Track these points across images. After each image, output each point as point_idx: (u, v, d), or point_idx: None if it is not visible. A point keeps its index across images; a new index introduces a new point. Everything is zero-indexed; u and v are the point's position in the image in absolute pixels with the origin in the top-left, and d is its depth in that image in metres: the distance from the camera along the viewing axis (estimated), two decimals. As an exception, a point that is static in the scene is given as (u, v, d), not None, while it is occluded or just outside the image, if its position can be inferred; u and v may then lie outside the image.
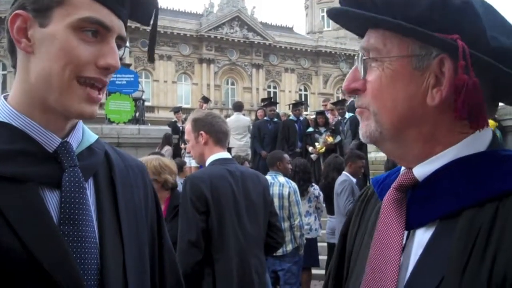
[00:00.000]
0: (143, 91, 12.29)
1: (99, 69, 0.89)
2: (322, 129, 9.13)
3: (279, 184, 4.91)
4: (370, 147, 9.02)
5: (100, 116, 8.28)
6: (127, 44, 11.03)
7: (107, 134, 8.01)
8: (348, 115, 8.94)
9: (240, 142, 9.67)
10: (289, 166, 5.26)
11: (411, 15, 0.76)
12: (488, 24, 0.76)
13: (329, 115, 10.12)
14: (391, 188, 0.85)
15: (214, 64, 35.64)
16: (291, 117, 10.04)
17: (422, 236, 0.78)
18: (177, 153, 9.75)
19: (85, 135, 1.00)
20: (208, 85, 35.08)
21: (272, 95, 31.30)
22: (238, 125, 9.55)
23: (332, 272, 1.02)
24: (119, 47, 0.94)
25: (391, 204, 0.83)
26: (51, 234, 0.85)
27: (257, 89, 36.50)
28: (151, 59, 1.10)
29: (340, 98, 13.96)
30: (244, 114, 11.19)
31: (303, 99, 34.64)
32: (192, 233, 2.45)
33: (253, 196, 2.69)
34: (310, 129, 9.41)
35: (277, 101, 22.35)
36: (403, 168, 0.86)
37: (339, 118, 9.30)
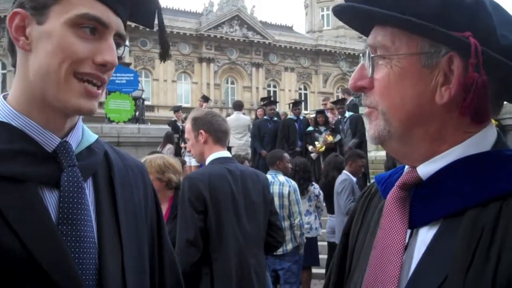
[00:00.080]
0: (143, 90, 12.29)
1: (96, 65, 0.89)
2: (322, 128, 9.12)
3: (279, 183, 4.90)
4: (370, 146, 9.02)
5: (100, 115, 8.30)
6: (127, 43, 11.06)
7: (107, 133, 8.00)
8: (348, 114, 8.94)
9: (240, 141, 9.67)
10: (289, 165, 5.26)
11: (421, 11, 0.75)
12: (498, 22, 0.76)
13: (329, 114, 10.11)
14: (395, 187, 0.84)
15: (214, 63, 35.63)
16: (290, 116, 10.04)
17: (426, 235, 0.78)
18: (177, 152, 9.76)
19: (84, 135, 0.99)
20: (208, 84, 35.08)
21: (272, 94, 31.33)
22: (238, 124, 9.55)
23: (334, 269, 1.02)
24: (118, 45, 0.94)
25: (395, 202, 0.83)
26: (50, 234, 0.85)
27: (257, 88, 36.50)
28: (164, 57, 1.12)
29: (339, 97, 13.94)
30: (244, 113, 11.20)
31: (303, 98, 34.73)
32: (190, 232, 2.46)
33: (252, 195, 2.69)
34: (310, 128, 9.40)
35: (277, 100, 22.38)
36: (406, 166, 0.86)
37: (339, 117, 9.28)
